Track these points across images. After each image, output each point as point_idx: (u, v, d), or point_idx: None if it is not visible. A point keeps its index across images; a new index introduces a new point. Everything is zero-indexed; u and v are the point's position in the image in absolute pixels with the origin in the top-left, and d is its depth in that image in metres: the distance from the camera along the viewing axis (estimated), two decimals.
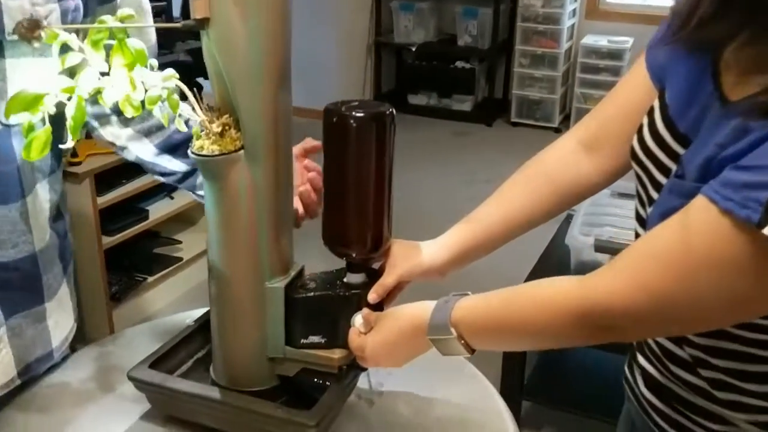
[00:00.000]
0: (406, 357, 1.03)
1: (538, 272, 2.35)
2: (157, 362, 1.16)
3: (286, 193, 1.07)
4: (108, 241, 2.67)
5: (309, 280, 1.12)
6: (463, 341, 0.92)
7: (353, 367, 1.13)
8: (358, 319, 1.07)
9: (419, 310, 0.98)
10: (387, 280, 1.09)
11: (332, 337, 1.10)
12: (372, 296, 1.08)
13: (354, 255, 1.09)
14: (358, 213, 1.06)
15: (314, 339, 1.10)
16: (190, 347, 1.24)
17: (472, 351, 0.93)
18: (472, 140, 5.35)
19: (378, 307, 1.10)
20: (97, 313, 2.76)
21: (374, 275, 1.12)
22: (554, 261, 2.44)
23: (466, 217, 1.13)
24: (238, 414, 1.08)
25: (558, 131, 5.38)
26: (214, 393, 1.10)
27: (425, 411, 1.21)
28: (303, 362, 1.11)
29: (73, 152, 2.49)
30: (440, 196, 4.27)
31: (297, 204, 1.22)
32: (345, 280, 1.11)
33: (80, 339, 2.89)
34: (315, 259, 1.21)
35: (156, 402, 1.16)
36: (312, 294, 1.08)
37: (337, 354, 1.10)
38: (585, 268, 2.33)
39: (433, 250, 1.10)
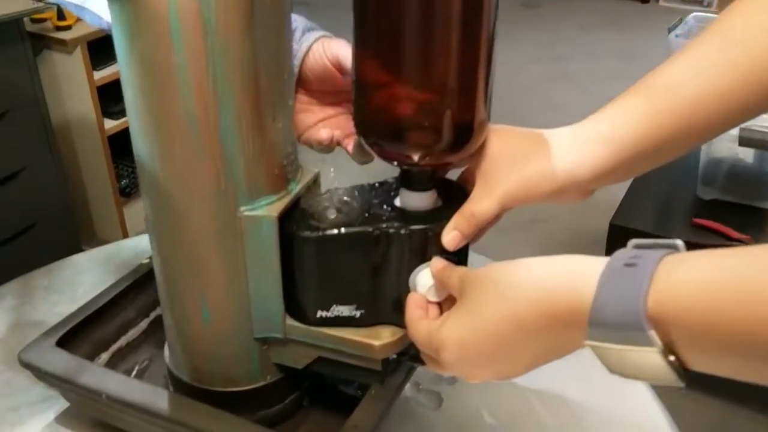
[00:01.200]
0: (522, 366, 0.49)
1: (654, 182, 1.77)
2: (74, 334, 0.68)
3: (278, 36, 0.53)
4: (111, 125, 2.19)
5: (328, 204, 0.59)
6: (673, 357, 0.39)
7: (409, 358, 0.63)
8: (423, 279, 0.56)
9: (557, 279, 0.44)
10: (481, 205, 0.55)
11: (373, 308, 0.60)
12: (452, 236, 0.56)
13: (416, 153, 0.54)
14: (428, 57, 0.51)
15: (342, 310, 0.59)
16: (138, 304, 0.75)
17: (685, 375, 0.41)
18: (543, 12, 4.59)
19: (460, 256, 0.58)
20: (106, 211, 2.34)
21: (453, 195, 0.59)
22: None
23: (632, 86, 0.57)
24: None
25: (646, 1, 4.55)
26: (158, 400, 0.62)
27: (526, 413, 0.72)
28: (320, 348, 0.61)
29: (59, 12, 1.97)
30: (507, 72, 3.62)
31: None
32: (397, 203, 0.59)
33: (90, 238, 2.55)
34: (342, 175, 0.68)
35: (73, 401, 0.68)
36: (335, 230, 0.56)
37: (380, 338, 0.59)
38: (720, 167, 1.73)
39: (574, 148, 0.55)
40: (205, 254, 0.57)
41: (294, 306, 0.60)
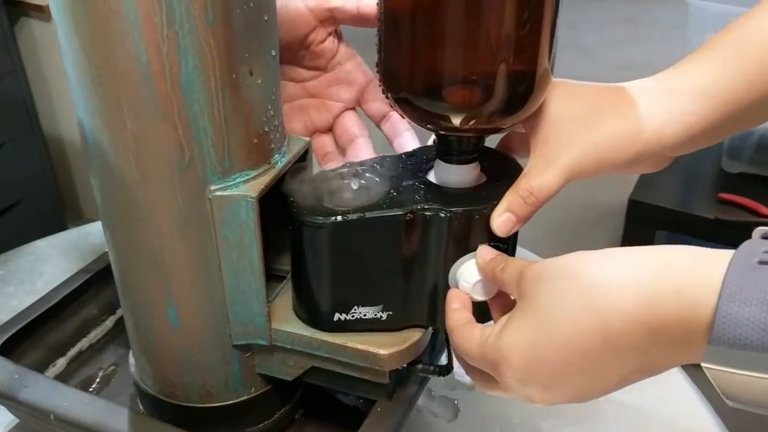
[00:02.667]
0: (604, 388, 0.38)
1: None
2: (22, 337, 0.57)
3: None
4: None
5: (346, 181, 0.48)
6: None
7: (421, 369, 0.52)
8: (467, 272, 0.45)
9: (661, 282, 0.33)
10: (542, 179, 0.43)
11: (403, 309, 0.48)
12: (503, 219, 0.44)
13: (459, 115, 0.42)
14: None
15: (365, 312, 0.48)
16: (102, 299, 0.64)
17: None
18: None
19: (508, 244, 0.47)
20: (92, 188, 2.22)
21: (500, 169, 0.47)
22: None
23: (716, 39, 0.45)
24: None
25: None
26: (116, 420, 0.50)
27: (556, 427, 0.61)
28: (314, 357, 0.50)
29: None
30: None
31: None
32: (432, 178, 0.47)
33: (77, 218, 2.42)
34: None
35: (22, 418, 0.57)
36: (356, 214, 0.45)
37: (388, 346, 0.48)
38: (748, 138, 1.61)
39: (664, 101, 0.43)
40: (168, 244, 0.46)
41: (305, 308, 0.49)
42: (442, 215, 0.44)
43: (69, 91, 0.43)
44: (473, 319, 0.44)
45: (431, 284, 0.47)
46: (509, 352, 0.38)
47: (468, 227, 0.45)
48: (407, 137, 0.56)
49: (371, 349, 0.48)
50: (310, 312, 0.49)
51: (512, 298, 0.42)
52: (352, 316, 0.48)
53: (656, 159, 0.44)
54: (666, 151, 0.44)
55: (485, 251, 0.45)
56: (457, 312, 0.44)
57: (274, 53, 0.45)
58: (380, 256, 0.46)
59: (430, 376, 0.52)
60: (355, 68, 0.56)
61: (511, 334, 0.38)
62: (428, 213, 0.44)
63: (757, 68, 0.42)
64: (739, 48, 0.43)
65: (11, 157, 1.82)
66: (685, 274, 0.32)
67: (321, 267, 0.47)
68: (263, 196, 0.45)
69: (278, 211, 0.54)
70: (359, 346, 0.48)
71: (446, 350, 0.55)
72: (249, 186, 0.45)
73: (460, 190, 0.46)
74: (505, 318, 0.40)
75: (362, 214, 0.44)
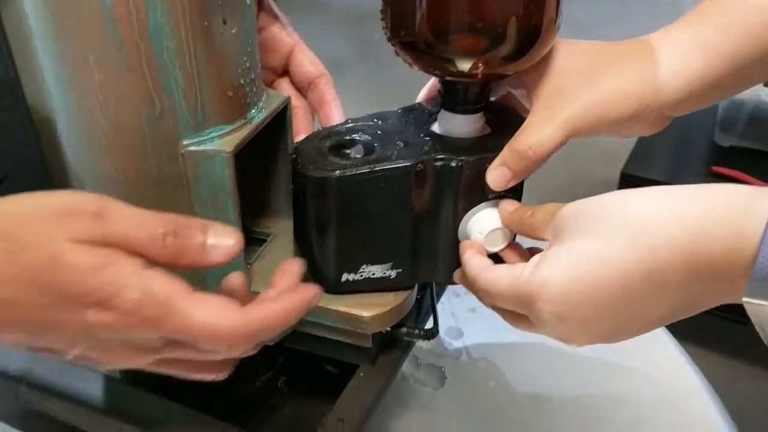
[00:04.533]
0: (643, 326, 0.38)
1: None
2: None
3: None
4: None
5: (352, 134, 0.47)
6: None
7: (407, 333, 0.50)
8: (480, 223, 0.45)
9: (708, 218, 0.33)
10: (540, 134, 0.43)
11: (412, 265, 0.48)
12: (497, 173, 0.44)
13: (467, 60, 0.41)
14: None
15: (373, 271, 0.47)
16: None
17: None
18: None
19: (516, 195, 0.46)
20: None
21: (503, 122, 0.47)
22: None
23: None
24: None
25: None
26: (90, 387, 0.49)
27: (543, 392, 0.60)
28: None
29: None
30: None
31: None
32: (436, 129, 0.47)
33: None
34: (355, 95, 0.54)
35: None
36: (366, 167, 0.43)
37: (370, 308, 0.47)
38: (741, 111, 1.60)
39: (674, 52, 0.43)
40: (139, 203, 0.44)
41: (311, 270, 0.47)
42: (454, 164, 0.43)
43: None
44: (493, 263, 0.43)
45: (441, 238, 0.46)
46: (546, 286, 0.37)
47: (479, 176, 0.44)
48: (333, 107, 0.54)
49: (353, 311, 0.46)
50: (316, 274, 0.47)
51: (546, 238, 0.41)
52: (361, 276, 0.47)
53: (654, 119, 0.44)
54: (665, 109, 0.43)
55: (508, 203, 0.45)
56: (477, 258, 0.44)
57: (249, 2, 0.43)
58: (389, 211, 0.45)
59: (415, 340, 0.51)
60: (278, 33, 0.54)
61: (548, 268, 0.37)
62: (439, 163, 0.44)
63: (760, 24, 0.41)
64: (742, 3, 0.42)
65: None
66: (733, 206, 0.32)
67: (328, 225, 0.45)
68: (240, 154, 0.43)
69: (257, 170, 0.52)
70: (342, 308, 0.46)
71: (432, 314, 0.53)
72: (224, 141, 0.43)
73: (467, 141, 0.45)
74: (537, 257, 0.39)
75: (371, 167, 0.43)
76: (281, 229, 0.54)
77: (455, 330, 0.67)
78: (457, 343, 0.66)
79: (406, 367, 0.63)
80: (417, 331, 0.50)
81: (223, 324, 0.33)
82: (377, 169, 0.43)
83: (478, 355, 0.64)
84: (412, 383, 0.62)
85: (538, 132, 0.42)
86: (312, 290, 0.37)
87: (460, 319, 0.68)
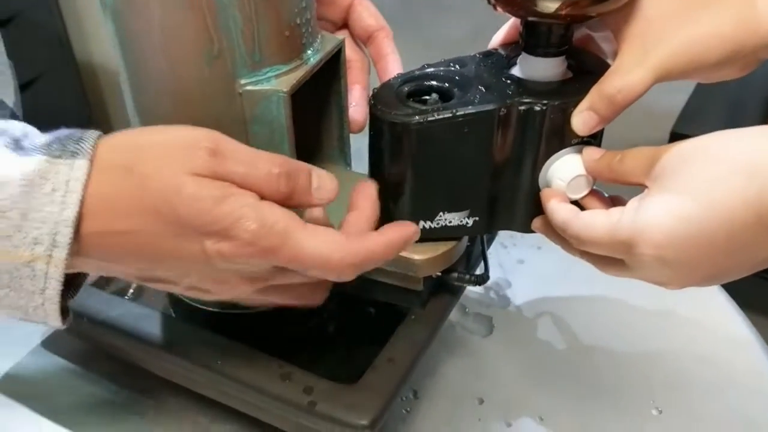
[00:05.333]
0: (745, 268, 0.39)
1: None
2: None
3: None
4: None
5: (428, 80, 0.46)
6: None
7: (457, 278, 0.51)
8: (563, 170, 0.44)
9: None
10: (630, 76, 0.41)
11: (490, 213, 0.47)
12: (583, 117, 0.43)
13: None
14: None
15: (450, 219, 0.47)
16: None
17: None
18: None
19: (597, 142, 0.46)
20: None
21: (586, 67, 0.45)
22: None
23: None
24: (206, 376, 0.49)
25: None
26: (148, 324, 0.50)
27: (590, 344, 0.60)
28: None
29: None
30: None
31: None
32: (516, 73, 0.46)
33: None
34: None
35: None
36: (448, 112, 0.43)
37: (422, 252, 0.47)
38: None
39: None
40: None
41: (387, 217, 0.47)
42: (538, 108, 0.43)
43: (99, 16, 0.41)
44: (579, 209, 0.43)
45: (521, 186, 0.46)
46: (650, 228, 0.37)
47: (563, 121, 0.43)
48: (391, 60, 0.54)
49: (405, 254, 0.46)
50: (393, 220, 0.47)
51: (641, 184, 0.41)
52: (437, 224, 0.47)
53: (746, 62, 0.42)
54: (761, 52, 0.41)
55: (592, 151, 0.44)
56: (565, 205, 0.44)
57: None
58: (469, 158, 0.44)
59: (465, 285, 0.51)
60: None
61: (653, 212, 0.38)
62: (523, 107, 0.43)
63: None
64: None
65: (46, 92, 1.82)
66: None
67: (406, 172, 0.45)
68: (295, 96, 0.44)
69: (310, 114, 0.53)
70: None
71: (483, 261, 0.53)
72: (280, 81, 0.43)
73: (550, 85, 0.44)
74: (635, 201, 0.39)
75: (453, 112, 0.43)
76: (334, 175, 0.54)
77: (503, 281, 0.67)
78: (505, 294, 0.66)
79: (454, 315, 0.63)
80: (468, 276, 0.50)
81: (333, 254, 0.36)
82: (459, 113, 0.43)
83: (526, 305, 0.64)
84: (460, 331, 0.62)
85: (627, 75, 0.41)
86: (412, 226, 0.40)
87: (508, 270, 0.68)
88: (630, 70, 0.41)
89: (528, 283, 0.67)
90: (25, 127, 0.36)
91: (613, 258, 0.41)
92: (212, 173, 0.34)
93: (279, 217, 0.35)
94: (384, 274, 0.48)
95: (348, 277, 0.37)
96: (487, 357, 0.59)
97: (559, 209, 0.43)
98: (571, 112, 0.43)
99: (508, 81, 0.45)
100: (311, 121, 0.53)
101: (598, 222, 0.41)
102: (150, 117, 0.46)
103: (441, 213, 0.46)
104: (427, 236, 0.47)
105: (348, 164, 0.55)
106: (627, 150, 0.42)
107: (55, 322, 0.36)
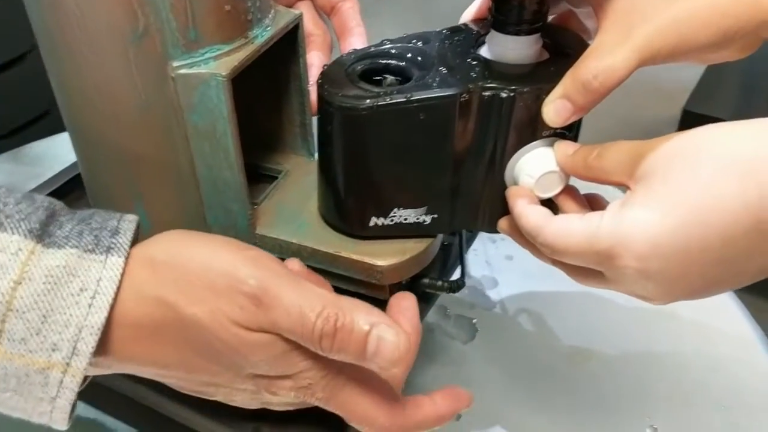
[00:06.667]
0: (738, 281, 0.33)
1: None
2: None
3: None
4: None
5: (386, 59, 0.41)
6: None
7: (428, 285, 0.45)
8: (531, 165, 0.39)
9: None
10: (610, 58, 0.35)
11: (451, 211, 0.42)
12: (556, 106, 0.37)
13: None
14: None
15: (405, 215, 0.42)
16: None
17: None
18: None
19: (572, 134, 0.40)
20: None
21: (563, 46, 0.40)
22: None
23: None
24: None
25: None
26: None
27: (583, 348, 0.55)
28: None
29: None
30: None
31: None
32: (485, 53, 0.40)
33: None
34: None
35: None
36: (401, 96, 0.37)
37: (385, 257, 0.41)
38: None
39: None
40: (129, 134, 0.39)
41: (336, 212, 0.43)
42: (504, 95, 0.37)
43: None
44: (551, 212, 0.38)
45: (485, 182, 0.41)
46: (633, 237, 0.32)
47: (533, 110, 0.38)
48: (356, 34, 0.49)
49: (367, 260, 0.41)
50: (342, 216, 0.43)
51: (622, 183, 0.36)
52: (391, 221, 0.42)
53: (746, 42, 0.36)
54: (763, 30, 0.35)
55: (565, 145, 0.38)
56: (533, 208, 0.38)
57: None
58: (427, 148, 0.39)
59: (438, 293, 0.46)
60: None
61: (635, 218, 0.32)
62: (487, 93, 0.37)
63: None
64: None
65: (39, 66, 1.77)
66: None
67: (356, 162, 0.40)
68: (246, 80, 0.38)
69: (268, 100, 0.47)
70: (354, 257, 0.41)
71: (460, 264, 0.48)
72: (220, 63, 0.37)
73: (521, 67, 0.39)
74: (616, 205, 0.34)
75: (408, 96, 0.37)
76: (294, 166, 0.49)
77: (489, 279, 0.62)
78: (491, 294, 0.60)
79: (433, 317, 0.58)
80: (440, 283, 0.45)
81: (379, 419, 0.35)
82: (415, 98, 0.37)
83: (513, 307, 0.59)
84: (439, 336, 0.57)
85: (607, 56, 0.35)
86: (465, 397, 0.37)
87: (495, 267, 0.63)
88: (610, 51, 0.35)
89: (516, 281, 0.61)
90: (52, 203, 0.32)
91: (590, 269, 0.36)
92: (257, 327, 0.32)
93: (331, 373, 0.34)
94: (346, 281, 0.43)
95: None
96: (468, 365, 0.54)
97: (528, 213, 0.38)
98: (544, 99, 0.37)
99: (474, 62, 0.39)
100: (269, 106, 0.48)
101: (574, 229, 0.35)
102: (75, 110, 0.40)
103: (396, 209, 0.41)
104: (379, 233, 0.42)
105: (312, 153, 0.49)
106: (606, 144, 0.37)
107: (61, 427, 0.32)
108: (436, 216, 0.42)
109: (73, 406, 0.32)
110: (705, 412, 0.51)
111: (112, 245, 0.31)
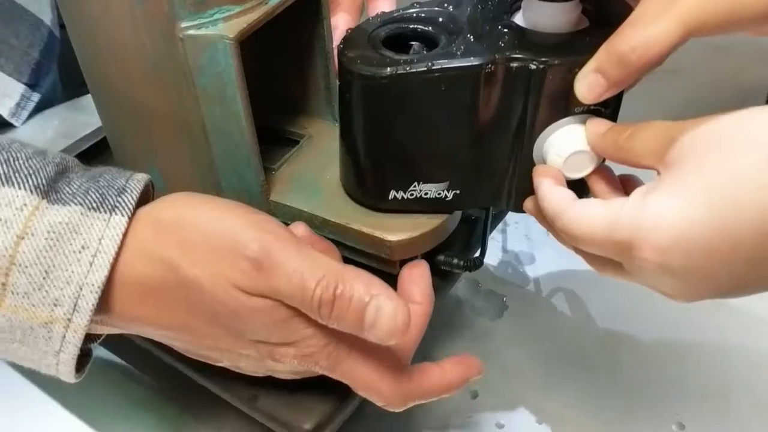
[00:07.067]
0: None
1: None
2: None
3: None
4: None
5: (411, 24, 0.39)
6: None
7: (443, 262, 0.44)
8: (561, 143, 0.37)
9: None
10: (651, 30, 0.31)
11: (474, 186, 0.40)
12: (589, 82, 0.34)
13: None
14: None
15: (426, 190, 0.40)
16: None
17: None
18: None
19: (605, 114, 0.37)
20: None
21: (605, 14, 0.36)
22: None
23: None
24: None
25: None
26: None
27: (619, 335, 0.52)
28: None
29: None
30: None
31: None
32: (519, 21, 0.37)
33: None
34: None
35: None
36: (423, 65, 0.35)
37: (396, 231, 0.40)
38: None
39: None
40: (141, 95, 0.39)
41: (355, 183, 0.41)
42: (533, 67, 0.35)
43: None
44: (575, 195, 0.35)
45: (512, 158, 0.38)
46: (656, 229, 0.29)
47: (565, 84, 0.35)
48: None
49: (377, 233, 0.40)
50: (361, 187, 0.41)
51: (652, 167, 0.33)
52: (411, 195, 0.40)
53: None
54: None
55: (597, 123, 0.36)
56: (557, 190, 0.36)
57: None
58: (450, 121, 0.37)
59: (453, 270, 0.44)
60: None
61: (660, 207, 0.30)
62: (515, 64, 0.35)
63: None
64: None
65: None
66: None
67: (376, 132, 0.39)
68: (264, 39, 0.37)
69: (293, 63, 0.46)
70: (364, 229, 0.40)
71: (481, 241, 0.46)
72: (228, 25, 0.36)
73: (556, 37, 0.36)
74: (642, 189, 0.31)
75: (429, 65, 0.35)
76: (318, 131, 0.47)
77: (527, 255, 0.59)
78: (526, 270, 0.58)
79: (464, 291, 0.56)
80: (455, 261, 0.43)
81: (384, 388, 0.34)
82: (436, 68, 0.35)
83: (548, 285, 0.57)
84: (467, 310, 0.55)
85: (647, 27, 0.31)
86: (476, 364, 0.37)
87: (535, 242, 0.60)
88: (651, 21, 0.31)
89: (555, 258, 0.59)
90: (64, 159, 0.32)
91: (609, 258, 0.34)
92: (256, 291, 0.31)
93: (335, 339, 0.33)
94: (357, 253, 0.42)
95: (396, 409, 0.36)
96: (492, 344, 0.53)
97: (549, 196, 0.36)
98: (576, 73, 0.34)
99: (505, 30, 0.36)
100: (294, 69, 0.46)
101: (594, 215, 0.33)
102: (91, 70, 0.40)
103: (416, 182, 0.40)
104: (398, 207, 0.41)
105: (336, 119, 0.48)
106: (640, 123, 0.34)
107: (69, 379, 0.33)
108: (458, 192, 0.40)
109: (84, 363, 0.33)
110: (742, 412, 0.48)
111: (117, 204, 0.31)
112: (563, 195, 0.35)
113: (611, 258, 0.33)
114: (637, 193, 0.32)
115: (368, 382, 0.34)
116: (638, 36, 0.32)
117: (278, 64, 0.46)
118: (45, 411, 0.48)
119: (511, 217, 0.63)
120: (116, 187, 0.32)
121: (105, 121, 0.44)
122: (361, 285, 0.31)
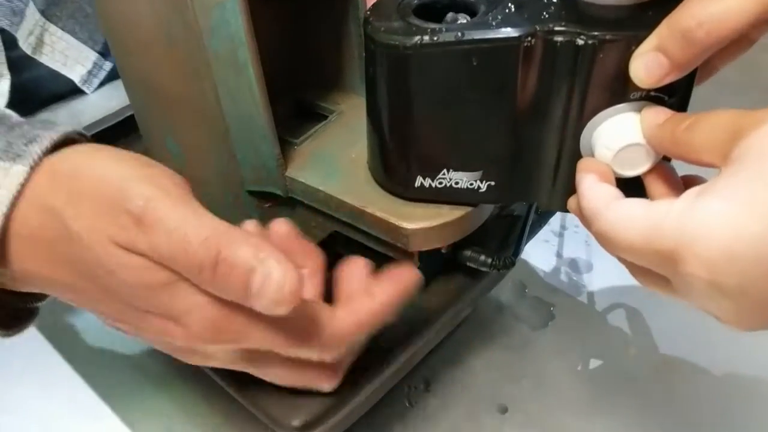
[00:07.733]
0: None
1: None
2: None
3: None
4: None
5: None
6: None
7: (469, 258, 0.39)
8: (609, 135, 0.31)
9: None
10: (719, 4, 0.26)
11: (510, 178, 0.36)
12: (647, 61, 0.29)
13: None
14: None
15: (456, 179, 0.36)
16: None
17: None
18: None
19: (672, 100, 0.31)
20: None
21: None
22: None
23: None
24: None
25: None
26: None
27: (675, 360, 0.46)
28: (334, 221, 0.40)
29: None
30: None
31: None
32: None
33: None
34: None
35: None
36: (452, 35, 0.31)
37: (415, 219, 0.36)
38: None
39: None
40: (154, 63, 0.37)
41: (380, 167, 0.38)
42: (581, 42, 0.30)
43: None
44: (621, 194, 0.30)
45: (555, 148, 0.34)
46: (704, 239, 0.25)
47: (619, 64, 0.30)
48: None
49: (393, 219, 0.36)
50: (386, 172, 0.38)
51: (712, 164, 0.28)
52: (440, 183, 0.36)
53: None
54: None
55: (655, 112, 0.30)
56: (600, 187, 0.31)
57: None
58: (483, 101, 0.33)
59: (481, 269, 0.40)
60: None
61: (711, 214, 0.25)
62: (559, 38, 0.30)
63: None
64: None
65: None
66: None
67: (400, 111, 0.35)
68: (290, 9, 0.34)
69: (328, 33, 0.43)
70: (379, 214, 0.37)
71: (518, 238, 0.41)
72: None
73: (611, 9, 0.31)
74: (694, 190, 0.27)
75: (458, 36, 0.31)
76: (350, 107, 0.44)
77: (584, 263, 0.54)
78: (581, 279, 0.53)
79: (507, 295, 0.52)
80: (483, 258, 0.39)
81: (309, 344, 0.31)
82: (467, 39, 0.31)
83: (604, 299, 0.51)
84: (509, 317, 0.51)
85: (715, 2, 0.27)
86: (411, 273, 0.34)
87: (595, 250, 0.55)
88: None
89: (615, 269, 0.52)
90: (1, 112, 0.32)
91: (654, 271, 0.28)
92: (135, 249, 0.28)
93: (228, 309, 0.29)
94: (373, 240, 0.38)
95: (333, 356, 0.33)
96: (531, 355, 0.48)
97: (590, 192, 0.31)
98: (633, 51, 0.30)
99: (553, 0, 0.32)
100: (327, 42, 0.43)
101: (635, 218, 0.28)
102: (113, 41, 0.39)
103: (445, 170, 0.35)
104: (427, 196, 0.36)
105: None
106: (703, 113, 0.28)
107: None
108: (492, 183, 0.36)
109: (23, 320, 0.32)
110: None
111: (21, 153, 0.29)
112: (604, 193, 0.30)
113: (655, 271, 0.28)
114: (688, 195, 0.27)
115: (289, 342, 0.31)
116: (706, 9, 0.27)
117: (312, 36, 0.43)
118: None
119: (572, 220, 0.57)
120: (28, 137, 0.30)
121: (129, 95, 0.42)
122: (249, 248, 0.27)
